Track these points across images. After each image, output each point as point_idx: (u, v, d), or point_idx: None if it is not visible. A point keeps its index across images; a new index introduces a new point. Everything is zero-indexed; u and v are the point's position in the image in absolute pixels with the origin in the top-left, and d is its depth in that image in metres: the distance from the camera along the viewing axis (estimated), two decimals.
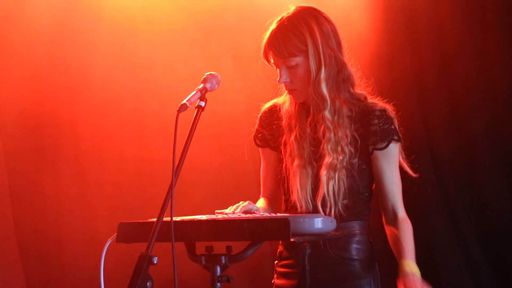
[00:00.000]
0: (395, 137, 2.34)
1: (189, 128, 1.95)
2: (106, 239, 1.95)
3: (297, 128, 2.39)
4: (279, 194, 2.50)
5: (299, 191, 2.35)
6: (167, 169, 1.93)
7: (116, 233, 1.97)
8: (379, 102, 2.39)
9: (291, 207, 2.40)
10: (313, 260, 2.35)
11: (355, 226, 2.37)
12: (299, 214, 2.27)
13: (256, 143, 2.52)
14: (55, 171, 3.97)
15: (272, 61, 2.36)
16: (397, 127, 2.36)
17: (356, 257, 2.35)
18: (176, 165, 1.88)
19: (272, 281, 2.48)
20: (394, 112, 2.37)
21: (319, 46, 2.30)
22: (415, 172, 2.45)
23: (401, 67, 3.59)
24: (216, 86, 2.09)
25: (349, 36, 2.98)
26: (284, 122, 2.43)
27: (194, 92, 2.01)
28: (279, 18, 2.35)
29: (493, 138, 3.46)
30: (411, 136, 3.53)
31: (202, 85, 2.05)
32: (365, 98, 2.40)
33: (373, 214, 2.45)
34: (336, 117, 2.32)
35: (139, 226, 1.95)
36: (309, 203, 2.34)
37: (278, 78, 2.35)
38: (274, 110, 2.49)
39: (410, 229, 2.35)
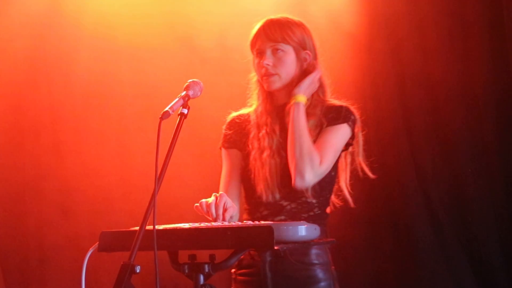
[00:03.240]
0: (349, 122, 2.44)
1: (172, 135, 1.94)
2: (88, 248, 1.93)
3: (267, 122, 2.48)
4: (240, 197, 2.54)
5: (268, 180, 2.41)
6: (149, 177, 1.92)
7: (98, 242, 1.95)
8: (341, 101, 2.52)
9: (254, 202, 2.43)
10: (274, 267, 2.39)
11: None
12: (282, 222, 2.27)
13: (224, 146, 2.57)
14: (36, 179, 3.94)
15: (256, 48, 2.48)
16: (352, 116, 2.46)
17: (316, 262, 2.40)
18: (158, 173, 1.87)
19: None
20: (356, 109, 2.50)
21: (307, 43, 2.49)
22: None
23: (384, 77, 3.60)
24: (199, 93, 2.10)
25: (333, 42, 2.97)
26: (252, 122, 2.52)
27: (177, 99, 2.01)
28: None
29: (475, 145, 3.48)
30: (394, 144, 3.55)
31: (184, 92, 2.05)
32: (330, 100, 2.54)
33: (329, 219, 2.49)
34: (312, 107, 2.45)
35: (121, 235, 1.93)
36: (276, 194, 2.41)
37: (262, 61, 2.45)
38: (241, 117, 2.58)
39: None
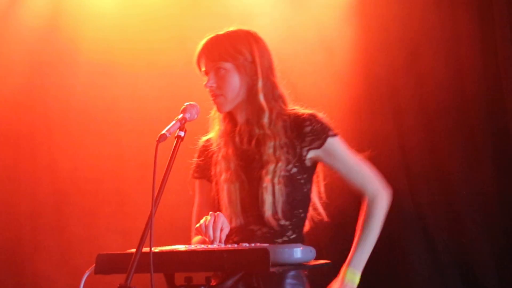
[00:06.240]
0: (330, 133, 2.33)
1: (169, 158, 1.95)
2: (84, 270, 1.94)
3: (222, 145, 2.38)
4: None
5: (227, 206, 2.30)
6: (146, 199, 1.93)
7: (94, 264, 1.95)
8: (306, 109, 2.38)
9: None
10: None
11: None
12: (278, 244, 2.27)
13: (193, 176, 2.49)
14: (31, 201, 3.94)
15: (203, 69, 2.37)
16: (328, 124, 2.34)
17: None
18: (155, 196, 1.87)
19: None
20: (324, 114, 2.37)
21: (256, 57, 2.34)
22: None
23: (377, 86, 3.61)
24: (196, 116, 2.10)
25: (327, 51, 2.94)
26: (215, 144, 2.41)
27: (174, 122, 2.02)
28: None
29: (470, 166, 3.49)
30: (389, 168, 3.55)
31: (181, 115, 2.05)
32: (294, 108, 2.39)
33: (309, 241, 2.33)
34: (272, 126, 2.32)
35: (118, 257, 1.94)
36: (240, 219, 2.29)
37: (205, 83, 2.35)
38: (209, 142, 2.47)
39: (374, 214, 2.36)
